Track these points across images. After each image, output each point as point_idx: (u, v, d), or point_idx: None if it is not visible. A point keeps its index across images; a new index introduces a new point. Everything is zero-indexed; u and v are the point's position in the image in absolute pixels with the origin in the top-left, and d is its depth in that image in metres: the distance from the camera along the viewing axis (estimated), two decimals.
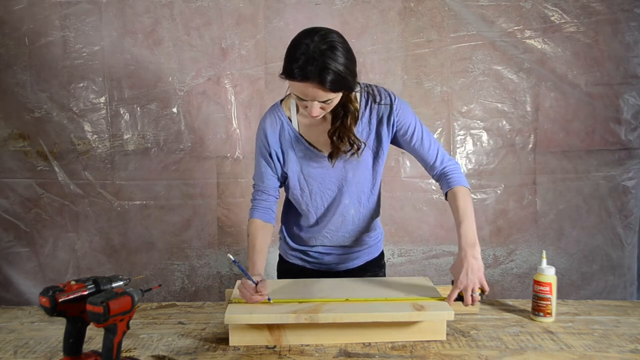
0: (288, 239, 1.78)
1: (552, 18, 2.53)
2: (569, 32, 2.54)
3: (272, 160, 1.57)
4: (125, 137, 2.49)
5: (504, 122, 2.59)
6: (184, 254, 2.58)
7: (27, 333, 1.50)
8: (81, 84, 2.44)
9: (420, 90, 2.55)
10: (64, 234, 2.53)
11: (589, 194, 2.64)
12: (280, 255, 1.87)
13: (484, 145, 2.60)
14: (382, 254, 1.86)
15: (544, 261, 1.57)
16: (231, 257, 1.45)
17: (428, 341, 1.40)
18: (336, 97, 1.35)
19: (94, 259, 2.55)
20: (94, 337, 1.43)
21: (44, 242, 2.53)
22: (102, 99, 2.46)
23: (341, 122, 1.47)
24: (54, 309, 1.18)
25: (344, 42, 1.33)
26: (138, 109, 2.48)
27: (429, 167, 1.61)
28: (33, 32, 2.38)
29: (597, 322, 1.54)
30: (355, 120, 1.49)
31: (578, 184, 2.63)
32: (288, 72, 1.28)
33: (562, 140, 2.61)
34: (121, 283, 1.24)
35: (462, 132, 2.58)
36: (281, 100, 1.58)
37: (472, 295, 1.42)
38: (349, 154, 1.51)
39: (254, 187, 1.64)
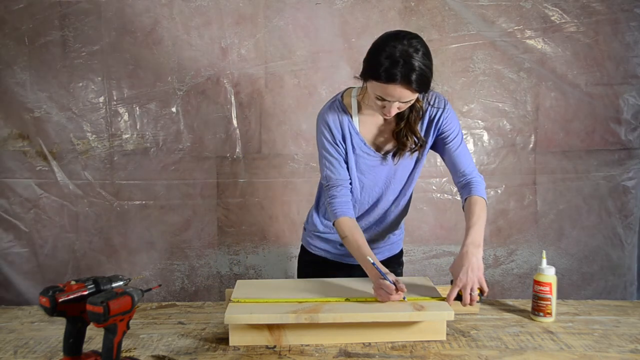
0: (319, 226, 1.79)
1: (552, 18, 2.52)
2: (569, 32, 2.53)
3: (339, 148, 1.59)
4: (125, 136, 2.48)
5: (505, 122, 2.58)
6: (183, 254, 2.57)
7: (27, 333, 1.50)
8: (80, 84, 2.43)
9: None
10: (63, 234, 2.52)
11: (589, 194, 2.63)
12: (302, 247, 1.90)
13: (484, 145, 2.59)
14: (401, 252, 1.92)
15: (544, 261, 1.57)
16: (370, 259, 1.46)
17: (428, 341, 1.40)
18: (414, 98, 1.41)
19: (94, 259, 2.54)
20: (94, 337, 1.43)
21: (43, 242, 2.52)
22: (102, 99, 2.45)
23: (407, 121, 1.54)
24: (54, 309, 1.18)
25: (424, 44, 1.37)
26: (137, 108, 2.47)
27: (458, 173, 1.63)
28: (32, 31, 2.38)
29: (597, 322, 1.54)
30: (420, 118, 1.56)
31: (578, 184, 2.63)
32: (374, 75, 1.35)
33: (562, 140, 2.60)
34: (121, 283, 1.23)
35: (462, 132, 2.55)
36: (341, 95, 1.62)
37: (470, 295, 1.42)
38: (413, 150, 1.58)
39: (326, 187, 1.61)
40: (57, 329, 1.51)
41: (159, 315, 1.64)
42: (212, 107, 2.50)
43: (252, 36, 2.46)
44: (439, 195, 2.59)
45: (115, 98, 2.46)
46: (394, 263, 1.87)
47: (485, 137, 2.59)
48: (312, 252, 1.84)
